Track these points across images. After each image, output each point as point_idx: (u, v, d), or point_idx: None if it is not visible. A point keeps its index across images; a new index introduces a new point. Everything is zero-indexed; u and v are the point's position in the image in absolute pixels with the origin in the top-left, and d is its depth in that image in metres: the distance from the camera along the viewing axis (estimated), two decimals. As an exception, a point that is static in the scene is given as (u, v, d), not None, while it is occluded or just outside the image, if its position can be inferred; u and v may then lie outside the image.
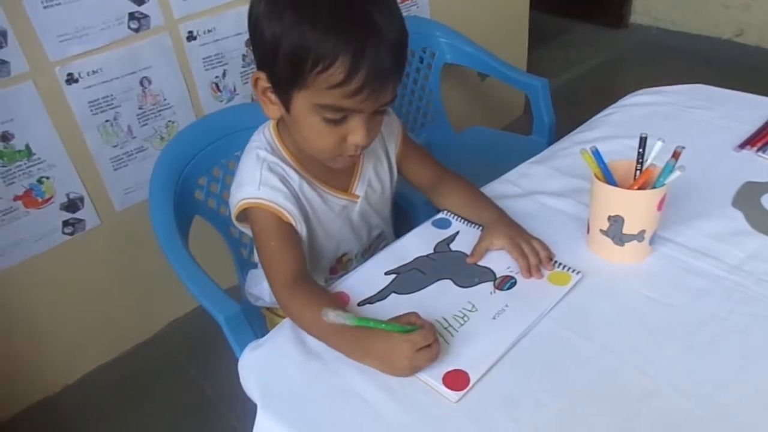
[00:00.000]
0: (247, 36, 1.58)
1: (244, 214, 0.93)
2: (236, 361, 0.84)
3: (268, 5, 0.78)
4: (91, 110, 1.44)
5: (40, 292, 1.54)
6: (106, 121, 1.47)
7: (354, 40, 0.74)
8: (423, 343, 0.73)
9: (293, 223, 0.91)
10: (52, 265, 1.53)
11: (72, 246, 1.54)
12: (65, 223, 1.51)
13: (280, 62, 0.78)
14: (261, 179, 0.90)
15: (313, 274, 1.01)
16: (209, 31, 1.55)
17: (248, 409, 0.76)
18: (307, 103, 0.81)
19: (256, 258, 1.12)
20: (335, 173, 0.97)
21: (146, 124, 1.54)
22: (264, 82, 0.85)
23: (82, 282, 1.61)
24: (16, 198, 1.41)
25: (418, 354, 0.72)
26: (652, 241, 0.89)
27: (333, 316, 0.72)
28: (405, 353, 0.72)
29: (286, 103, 0.84)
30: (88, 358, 1.72)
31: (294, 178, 0.93)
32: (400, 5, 0.84)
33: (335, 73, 0.75)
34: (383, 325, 0.75)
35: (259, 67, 0.85)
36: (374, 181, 1.03)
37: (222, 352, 1.57)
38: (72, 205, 1.50)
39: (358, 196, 1.00)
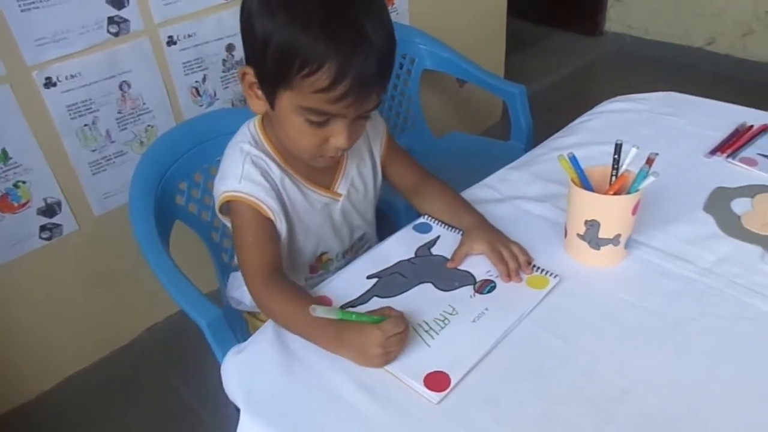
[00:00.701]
0: (227, 41, 1.60)
1: (227, 207, 0.94)
2: (217, 365, 0.84)
3: (261, 3, 0.79)
4: (70, 114, 1.43)
5: (15, 298, 1.52)
6: (85, 125, 1.46)
7: (342, 48, 0.75)
8: (394, 330, 0.75)
9: (272, 218, 0.92)
10: (28, 271, 1.51)
11: (49, 251, 1.52)
12: (42, 228, 1.49)
13: (269, 60, 0.79)
14: (243, 173, 0.91)
15: (293, 272, 1.02)
16: (189, 35, 1.55)
17: (229, 414, 0.76)
18: (292, 103, 0.82)
19: (236, 262, 1.12)
20: (319, 170, 0.98)
21: (125, 129, 1.53)
22: (251, 77, 0.85)
23: (59, 287, 1.59)
24: (-8, 203, 1.39)
25: (389, 341, 0.74)
26: (627, 245, 0.91)
27: (321, 311, 0.73)
28: (377, 340, 0.74)
29: (272, 101, 0.85)
30: (64, 364, 1.70)
31: (276, 172, 0.94)
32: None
33: (321, 78, 0.76)
34: (353, 317, 0.76)
35: (248, 63, 0.86)
36: (357, 180, 1.04)
37: (201, 358, 1.57)
38: (49, 209, 1.48)
39: (340, 195, 1.01)
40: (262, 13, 0.78)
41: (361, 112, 0.83)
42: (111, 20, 1.41)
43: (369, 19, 0.77)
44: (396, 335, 0.75)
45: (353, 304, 0.88)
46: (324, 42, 0.75)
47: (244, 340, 0.85)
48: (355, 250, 1.13)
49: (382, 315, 0.78)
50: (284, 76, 0.78)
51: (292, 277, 0.91)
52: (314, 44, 0.75)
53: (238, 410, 0.76)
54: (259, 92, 0.86)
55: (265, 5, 0.78)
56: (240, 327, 1.18)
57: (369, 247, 1.13)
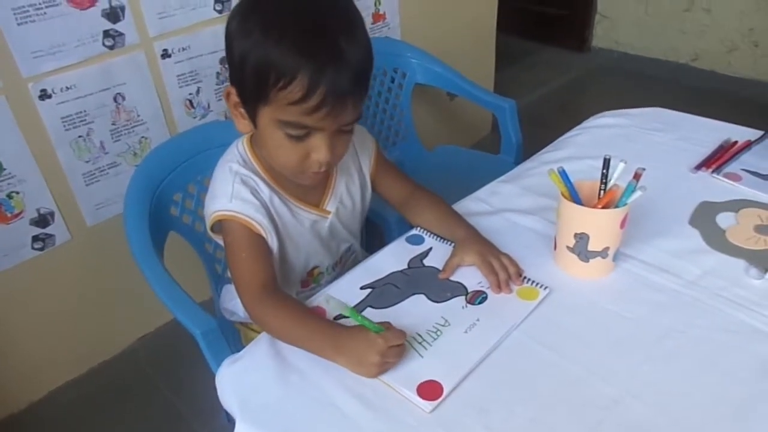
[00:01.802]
0: (221, 54, 1.61)
1: (219, 226, 0.95)
2: (208, 375, 0.85)
3: (239, 23, 0.82)
4: (64, 126, 1.43)
5: (7, 307, 1.52)
6: (79, 136, 1.47)
7: (313, 59, 0.77)
8: (395, 341, 0.77)
9: (264, 235, 0.93)
10: (20, 281, 1.51)
11: (41, 261, 1.52)
12: (35, 239, 1.49)
13: (247, 77, 0.81)
14: (233, 192, 0.93)
15: (285, 288, 1.03)
16: (184, 49, 1.57)
17: (220, 425, 0.77)
18: (271, 118, 0.83)
19: (230, 273, 1.13)
20: (307, 188, 0.99)
21: (119, 140, 1.54)
22: (235, 97, 0.87)
23: (51, 297, 1.59)
24: (-15, 213, 1.40)
25: (389, 351, 0.76)
26: (615, 258, 0.94)
27: (333, 303, 0.76)
28: (378, 348, 0.76)
29: (254, 118, 0.87)
30: (54, 374, 1.69)
31: (264, 191, 0.95)
32: (371, 26, 0.87)
33: (294, 90, 0.78)
34: (367, 323, 0.79)
35: (231, 82, 0.88)
36: (346, 197, 1.05)
37: (192, 368, 1.57)
38: (42, 220, 1.49)
39: (329, 212, 1.03)
40: (239, 34, 0.81)
41: (339, 125, 0.84)
42: (106, 33, 1.42)
43: (342, 33, 0.79)
44: (396, 346, 0.77)
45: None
46: (296, 54, 0.77)
47: (237, 350, 0.86)
48: (343, 261, 1.14)
49: (383, 327, 0.80)
50: (262, 91, 0.80)
51: None
52: (286, 57, 0.77)
53: (229, 420, 0.76)
54: (243, 111, 0.88)
55: (242, 26, 0.81)
56: (233, 338, 1.18)
57: (355, 258, 1.15)
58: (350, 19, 0.83)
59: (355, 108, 0.84)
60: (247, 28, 0.80)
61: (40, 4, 1.29)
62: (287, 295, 0.90)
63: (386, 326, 0.81)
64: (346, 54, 0.79)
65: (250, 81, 0.81)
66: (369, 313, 0.89)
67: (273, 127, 0.84)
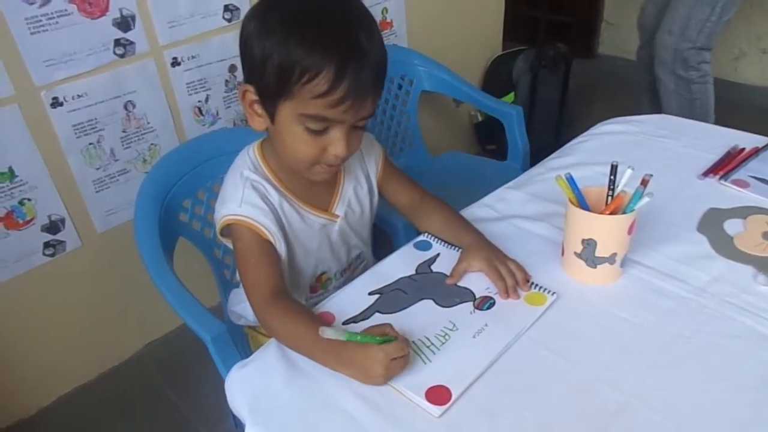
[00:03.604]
0: (230, 62, 1.63)
1: (228, 230, 0.96)
2: (215, 381, 0.85)
3: (258, 24, 0.84)
4: (75, 133, 1.45)
5: (18, 313, 1.53)
6: (90, 144, 1.48)
7: (338, 55, 0.79)
8: (398, 353, 0.77)
9: (272, 241, 0.94)
10: (31, 286, 1.52)
11: (52, 267, 1.54)
12: (46, 245, 1.51)
13: (269, 74, 0.83)
14: (243, 197, 0.94)
15: (294, 293, 1.04)
16: (193, 57, 1.58)
17: (228, 430, 0.77)
18: (292, 112, 0.85)
19: (238, 278, 1.14)
20: (316, 193, 1.01)
21: (129, 147, 1.56)
22: (252, 95, 0.89)
23: (61, 303, 1.60)
24: (-3, 219, 1.41)
25: (393, 363, 0.76)
26: (622, 264, 0.94)
27: (330, 333, 0.76)
28: (381, 361, 0.76)
29: (272, 114, 0.88)
30: (64, 380, 1.70)
31: (274, 196, 0.96)
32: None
33: (320, 83, 0.80)
34: (358, 338, 0.78)
35: (247, 81, 0.89)
36: (354, 202, 1.06)
37: (200, 374, 1.58)
38: (53, 226, 1.50)
39: (337, 216, 1.04)
40: (259, 33, 0.83)
41: (358, 119, 0.87)
42: (117, 42, 1.44)
43: (361, 30, 0.82)
44: (399, 358, 0.77)
45: (355, 319, 0.90)
46: (320, 51, 0.79)
47: (246, 354, 0.87)
48: (352, 268, 1.15)
49: (383, 332, 0.80)
50: (285, 86, 0.82)
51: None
52: (311, 53, 0.79)
53: (237, 425, 0.77)
54: (259, 109, 0.90)
55: (262, 26, 0.83)
56: (241, 342, 1.19)
57: (365, 265, 1.15)
58: (367, 18, 0.85)
59: (373, 102, 0.87)
60: (268, 28, 0.82)
61: (52, 14, 1.31)
62: (295, 301, 0.91)
63: (386, 330, 0.80)
64: (366, 49, 0.81)
65: (273, 78, 0.83)
66: (377, 318, 0.89)
67: (293, 122, 0.86)
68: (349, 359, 0.78)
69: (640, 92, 2.47)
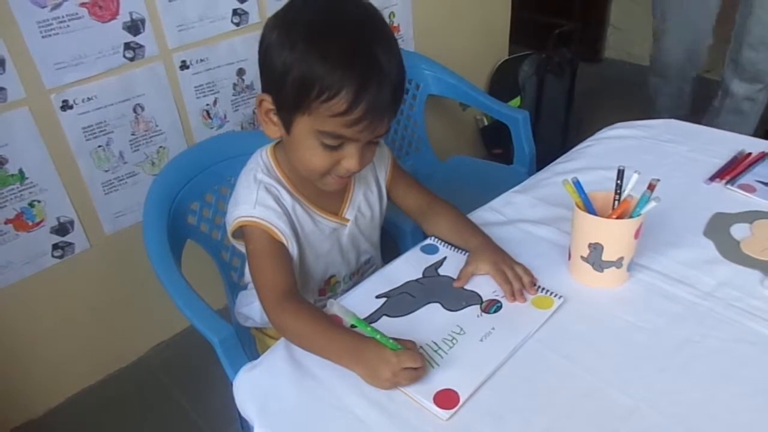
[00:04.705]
0: (238, 66, 1.64)
1: (240, 232, 0.97)
2: (222, 383, 0.86)
3: (280, 35, 0.83)
4: (85, 136, 1.46)
5: (26, 315, 1.54)
6: (99, 146, 1.50)
7: (358, 75, 0.79)
8: (410, 364, 0.77)
9: (285, 242, 0.95)
10: (40, 288, 1.53)
11: (61, 269, 1.55)
12: (55, 247, 1.52)
13: (288, 88, 0.83)
14: (257, 199, 0.95)
15: (302, 294, 1.04)
16: (202, 60, 1.59)
17: (235, 431, 0.78)
18: (309, 127, 0.85)
19: (246, 280, 1.15)
20: (327, 197, 1.01)
21: (138, 150, 1.57)
22: (268, 104, 0.89)
23: (70, 304, 1.61)
24: (7, 221, 1.42)
25: (402, 372, 0.76)
26: (629, 268, 0.94)
27: (337, 307, 0.76)
28: (391, 367, 0.76)
29: (288, 126, 0.88)
30: (72, 381, 1.71)
31: (287, 199, 0.97)
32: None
33: (338, 103, 0.80)
34: (378, 336, 0.79)
35: (265, 90, 0.89)
36: (364, 206, 1.07)
37: (207, 376, 1.59)
38: (62, 228, 1.51)
39: (348, 220, 1.05)
40: (281, 46, 0.82)
41: (373, 137, 0.87)
42: (127, 46, 1.45)
43: (382, 51, 0.81)
44: (410, 369, 0.77)
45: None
46: (341, 70, 0.79)
47: (253, 356, 0.87)
48: (361, 272, 1.16)
49: (402, 345, 0.80)
50: (303, 101, 0.82)
51: None
52: (332, 72, 0.79)
53: (243, 427, 0.77)
54: (275, 118, 0.90)
55: (284, 38, 0.82)
56: (248, 344, 1.20)
57: (375, 270, 1.16)
58: (386, 33, 0.85)
59: (389, 120, 0.87)
60: (290, 41, 0.82)
61: (63, 17, 1.33)
62: (306, 301, 0.92)
63: (407, 346, 0.80)
64: (385, 69, 0.81)
65: (291, 91, 0.83)
66: (384, 321, 0.90)
67: (309, 136, 0.86)
68: (363, 357, 0.79)
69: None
